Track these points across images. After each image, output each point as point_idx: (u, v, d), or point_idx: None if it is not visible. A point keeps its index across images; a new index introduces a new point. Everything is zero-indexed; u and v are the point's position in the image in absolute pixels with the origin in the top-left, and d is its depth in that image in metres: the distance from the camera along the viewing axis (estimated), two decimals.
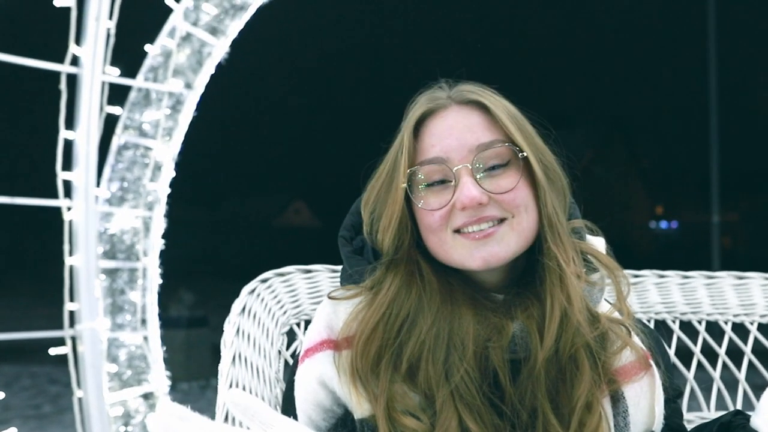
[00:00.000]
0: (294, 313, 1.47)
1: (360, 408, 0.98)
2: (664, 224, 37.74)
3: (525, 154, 1.00)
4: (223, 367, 1.34)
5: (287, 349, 1.42)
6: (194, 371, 7.67)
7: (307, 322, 1.43)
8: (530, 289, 1.01)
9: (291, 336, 1.44)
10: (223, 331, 1.40)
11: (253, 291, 1.45)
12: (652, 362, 1.05)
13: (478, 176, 0.99)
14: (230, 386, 1.33)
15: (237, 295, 1.41)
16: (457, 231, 1.00)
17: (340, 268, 1.22)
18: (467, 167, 0.99)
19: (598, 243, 1.09)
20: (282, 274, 1.50)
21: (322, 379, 1.01)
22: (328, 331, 1.05)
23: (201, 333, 8.08)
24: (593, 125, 33.79)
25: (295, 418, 1.03)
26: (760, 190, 33.30)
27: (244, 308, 1.43)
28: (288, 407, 1.07)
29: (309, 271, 1.51)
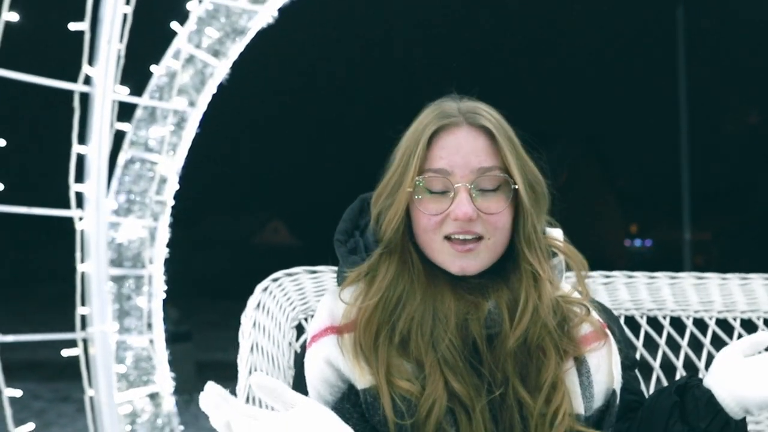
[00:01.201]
0: (302, 308, 1.62)
1: (363, 380, 1.15)
2: (638, 242, 38.27)
3: (516, 186, 1.17)
4: (243, 354, 1.50)
5: (297, 340, 1.58)
6: (178, 386, 7.67)
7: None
8: (501, 276, 1.20)
9: (299, 330, 1.60)
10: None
11: (266, 289, 1.61)
12: (608, 332, 1.24)
13: (473, 194, 1.16)
14: (249, 372, 1.50)
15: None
16: (447, 237, 1.17)
17: None
18: (466, 186, 1.16)
19: (557, 233, 1.28)
20: (291, 274, 1.65)
21: (328, 359, 1.17)
22: (330, 319, 1.22)
23: (185, 348, 8.12)
24: (568, 144, 34.27)
25: (306, 395, 1.17)
26: (733, 210, 34.00)
27: (258, 304, 1.59)
28: (297, 387, 1.22)
29: (314, 272, 1.67)
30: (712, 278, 1.91)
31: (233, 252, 31.86)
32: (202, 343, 9.61)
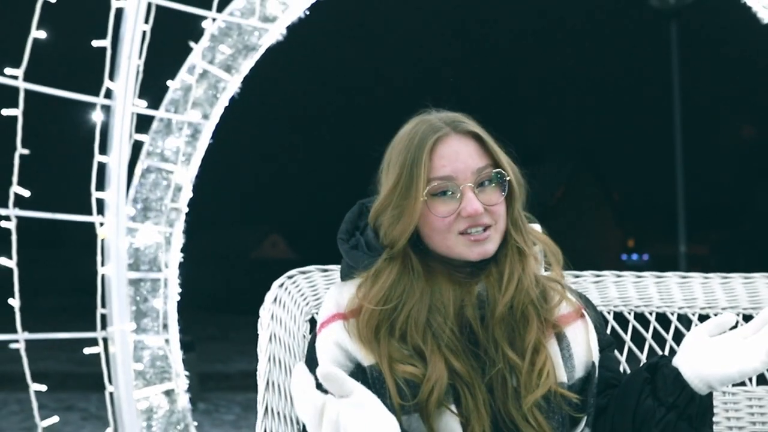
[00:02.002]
0: (315, 304, 1.75)
1: (368, 358, 1.30)
2: (635, 257, 38.37)
3: (509, 177, 1.34)
4: (262, 343, 1.63)
5: (310, 333, 1.71)
6: None
7: None
8: (490, 260, 1.36)
9: (312, 324, 1.73)
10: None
11: (282, 285, 1.74)
12: (584, 312, 1.40)
13: (476, 192, 1.32)
14: (268, 360, 1.63)
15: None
16: (460, 233, 1.33)
17: None
18: (470, 186, 1.32)
19: (536, 227, 1.46)
20: (304, 272, 1.79)
21: (337, 341, 1.33)
22: (336, 307, 1.37)
23: (188, 358, 8.14)
24: (563, 160, 34.43)
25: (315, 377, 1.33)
26: (728, 223, 34.19)
27: (275, 298, 1.72)
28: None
29: (326, 270, 1.81)
30: (696, 277, 2.05)
31: (231, 266, 31.91)
32: (202, 355, 9.71)
